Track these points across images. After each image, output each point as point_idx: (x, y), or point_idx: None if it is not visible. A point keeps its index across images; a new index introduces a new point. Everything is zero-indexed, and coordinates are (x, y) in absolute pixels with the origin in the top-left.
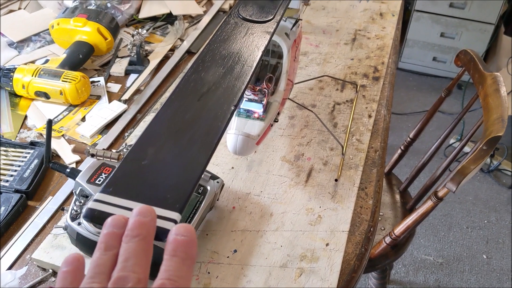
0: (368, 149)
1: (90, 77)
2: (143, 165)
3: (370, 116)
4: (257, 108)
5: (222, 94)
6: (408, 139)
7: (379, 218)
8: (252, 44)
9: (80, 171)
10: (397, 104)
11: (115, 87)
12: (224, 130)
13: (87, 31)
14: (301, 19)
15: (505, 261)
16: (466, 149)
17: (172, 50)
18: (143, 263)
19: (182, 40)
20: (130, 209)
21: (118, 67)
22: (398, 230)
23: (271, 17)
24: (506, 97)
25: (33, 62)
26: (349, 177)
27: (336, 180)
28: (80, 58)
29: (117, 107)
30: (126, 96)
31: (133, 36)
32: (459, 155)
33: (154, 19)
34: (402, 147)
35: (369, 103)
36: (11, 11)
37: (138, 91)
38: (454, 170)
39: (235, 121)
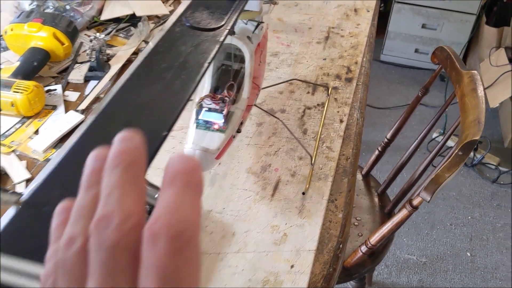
0: (339, 156)
1: (47, 85)
2: (44, 211)
3: (341, 121)
4: (217, 119)
5: (155, 119)
6: (385, 139)
7: (356, 224)
8: (197, 55)
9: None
10: (378, 98)
11: (73, 96)
12: (151, 161)
13: (42, 37)
14: (263, 22)
15: (489, 258)
16: (450, 143)
17: (136, 53)
18: (132, 194)
19: (147, 42)
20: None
21: (77, 74)
22: (374, 239)
23: (222, 24)
24: (483, 97)
25: None
26: (318, 188)
27: (303, 193)
28: (35, 65)
29: (74, 117)
30: (83, 105)
31: (91, 40)
32: (442, 150)
33: (117, 20)
34: (379, 148)
35: (341, 107)
36: None
37: (97, 99)
38: (428, 178)
39: (193, 134)
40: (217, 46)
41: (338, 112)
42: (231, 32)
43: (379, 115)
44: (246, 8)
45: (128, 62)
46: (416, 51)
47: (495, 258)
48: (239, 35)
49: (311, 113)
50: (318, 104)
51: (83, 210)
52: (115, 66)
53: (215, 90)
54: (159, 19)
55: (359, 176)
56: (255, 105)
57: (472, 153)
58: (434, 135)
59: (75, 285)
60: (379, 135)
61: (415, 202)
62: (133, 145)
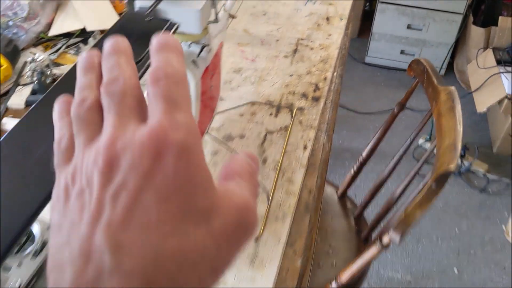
0: (301, 190)
1: None
2: None
3: (305, 148)
4: None
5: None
6: (361, 158)
7: (330, 252)
8: None
9: None
10: (363, 102)
11: (11, 123)
12: None
13: None
14: (209, 45)
15: (477, 275)
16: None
17: None
18: (130, 69)
19: None
20: None
21: (18, 98)
22: (345, 277)
23: (138, 60)
24: (460, 118)
25: None
26: (274, 231)
27: (256, 239)
28: None
29: None
30: None
31: (30, 62)
32: (430, 156)
33: (68, 35)
34: (354, 168)
35: (305, 130)
36: None
37: None
38: (397, 216)
39: None
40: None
41: (302, 137)
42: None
43: (364, 120)
44: (184, 30)
45: None
46: (402, 52)
47: (483, 274)
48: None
49: (273, 139)
50: (281, 128)
51: (88, 83)
52: None
53: None
54: None
55: (334, 197)
56: (208, 132)
57: (459, 160)
58: (420, 141)
59: (92, 129)
60: (364, 142)
61: (385, 240)
62: (121, 40)
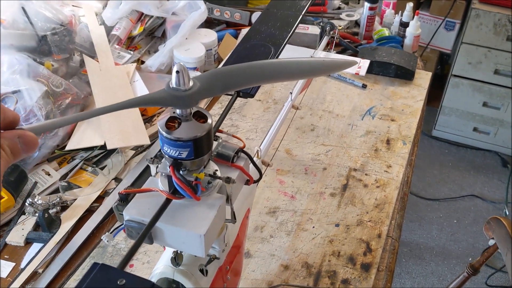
0: None
1: None
2: None
3: None
4: None
5: None
6: None
7: None
8: None
9: None
10: (428, 186)
11: (5, 268)
12: None
13: None
14: (218, 258)
15: None
16: None
17: (102, 197)
18: None
19: (118, 180)
20: None
21: (18, 234)
22: None
23: None
24: None
25: None
26: None
27: None
28: None
29: None
30: None
31: (26, 205)
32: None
33: (89, 148)
34: None
35: None
36: None
37: (35, 275)
38: None
39: None
40: None
41: None
42: (175, 264)
43: (427, 208)
44: (187, 252)
45: (88, 212)
46: (475, 129)
47: None
48: (187, 266)
49: None
50: None
51: None
52: (66, 224)
53: None
54: (141, 146)
55: None
56: None
57: None
58: (491, 242)
59: None
60: (425, 235)
61: None
62: None
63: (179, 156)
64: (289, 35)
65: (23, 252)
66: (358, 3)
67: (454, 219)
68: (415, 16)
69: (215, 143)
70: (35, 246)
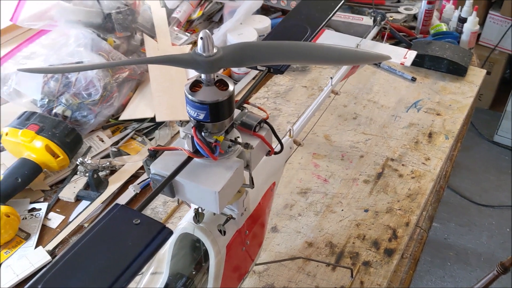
0: None
1: (33, 202)
2: None
3: None
4: None
5: None
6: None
7: None
8: None
9: None
10: (483, 191)
11: (55, 220)
12: None
13: (34, 148)
14: (234, 218)
15: None
16: None
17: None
18: None
19: None
20: None
21: (70, 191)
22: None
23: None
24: None
25: None
26: None
27: None
28: (18, 182)
29: (39, 258)
30: (52, 244)
31: (78, 165)
32: None
33: (139, 120)
34: None
35: None
36: None
37: (80, 229)
38: None
39: None
40: None
41: None
42: (196, 220)
43: (480, 214)
44: (203, 207)
45: (133, 177)
46: None
47: None
48: (206, 224)
49: None
50: None
51: None
52: (112, 186)
53: (175, 279)
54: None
55: None
56: None
57: None
58: None
59: None
60: (474, 241)
61: None
62: None
63: (197, 117)
64: (327, 18)
65: (72, 208)
66: None
67: (507, 227)
68: (474, 12)
69: (240, 112)
70: (83, 203)
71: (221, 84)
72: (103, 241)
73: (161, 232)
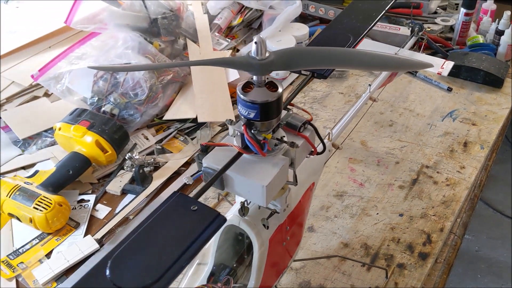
0: None
1: (82, 193)
2: None
3: None
4: None
5: None
6: None
7: None
8: None
9: None
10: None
11: (103, 211)
12: None
13: (85, 143)
14: (277, 212)
15: None
16: None
17: (189, 163)
18: None
19: None
20: None
21: (116, 184)
22: None
23: (155, 280)
24: None
25: (33, 164)
26: None
27: None
28: (70, 174)
29: (88, 246)
30: (100, 233)
31: (125, 159)
32: None
33: (183, 119)
34: None
35: None
36: (35, 97)
37: (126, 220)
38: None
39: None
40: None
41: None
42: (241, 214)
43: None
44: (250, 200)
45: (176, 174)
46: None
47: None
48: (251, 217)
49: None
50: None
51: None
52: (156, 182)
53: (219, 269)
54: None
55: None
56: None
57: None
58: None
59: None
60: (507, 254)
61: None
62: None
63: (248, 116)
64: (369, 27)
65: (118, 200)
66: (456, 9)
67: None
68: (511, 25)
69: (286, 114)
70: (129, 197)
71: (271, 86)
72: (165, 224)
73: (216, 219)
